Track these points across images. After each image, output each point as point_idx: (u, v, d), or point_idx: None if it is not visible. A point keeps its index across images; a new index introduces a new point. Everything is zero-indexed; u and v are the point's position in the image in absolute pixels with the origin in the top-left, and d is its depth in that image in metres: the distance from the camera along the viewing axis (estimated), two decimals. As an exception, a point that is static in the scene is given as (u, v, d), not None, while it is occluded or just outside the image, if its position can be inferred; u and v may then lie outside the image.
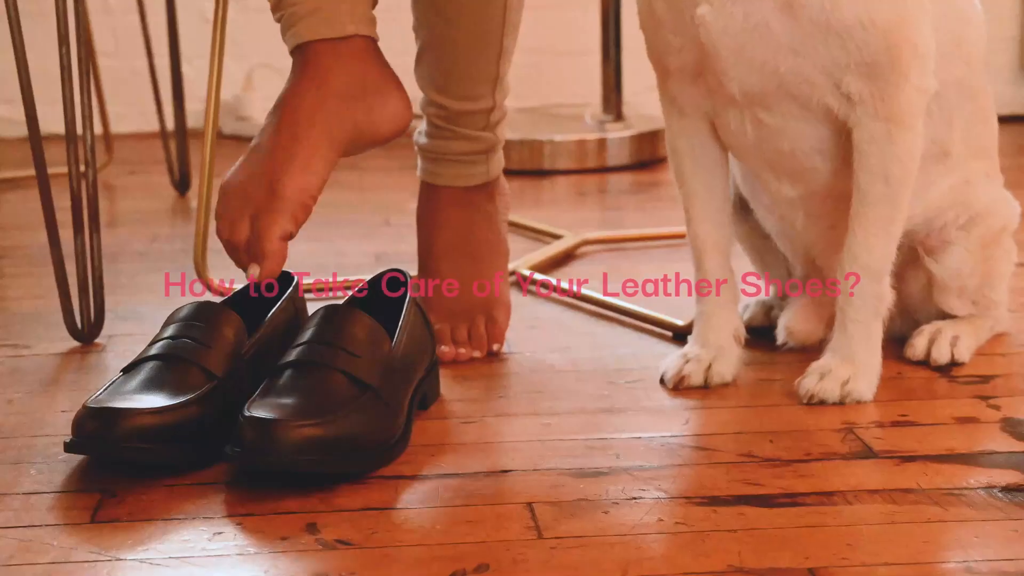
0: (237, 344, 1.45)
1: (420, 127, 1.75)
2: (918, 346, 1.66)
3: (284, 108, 1.53)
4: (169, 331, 1.46)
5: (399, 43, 1.77)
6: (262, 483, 1.34)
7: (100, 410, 1.36)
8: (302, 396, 1.36)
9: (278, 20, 1.58)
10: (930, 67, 1.50)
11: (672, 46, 1.53)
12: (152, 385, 1.41)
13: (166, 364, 1.43)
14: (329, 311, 1.44)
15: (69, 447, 1.37)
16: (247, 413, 1.34)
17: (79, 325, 1.77)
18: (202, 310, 1.48)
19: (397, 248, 2.21)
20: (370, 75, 1.55)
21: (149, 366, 1.43)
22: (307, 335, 1.42)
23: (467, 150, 1.72)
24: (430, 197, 1.75)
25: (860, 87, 1.48)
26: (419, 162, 1.75)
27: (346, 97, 1.54)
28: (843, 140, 1.53)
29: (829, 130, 1.53)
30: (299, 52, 1.55)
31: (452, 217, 1.73)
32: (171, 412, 1.37)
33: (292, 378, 1.39)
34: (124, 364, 1.68)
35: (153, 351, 1.45)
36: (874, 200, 1.52)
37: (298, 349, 1.41)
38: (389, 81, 1.56)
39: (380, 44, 1.58)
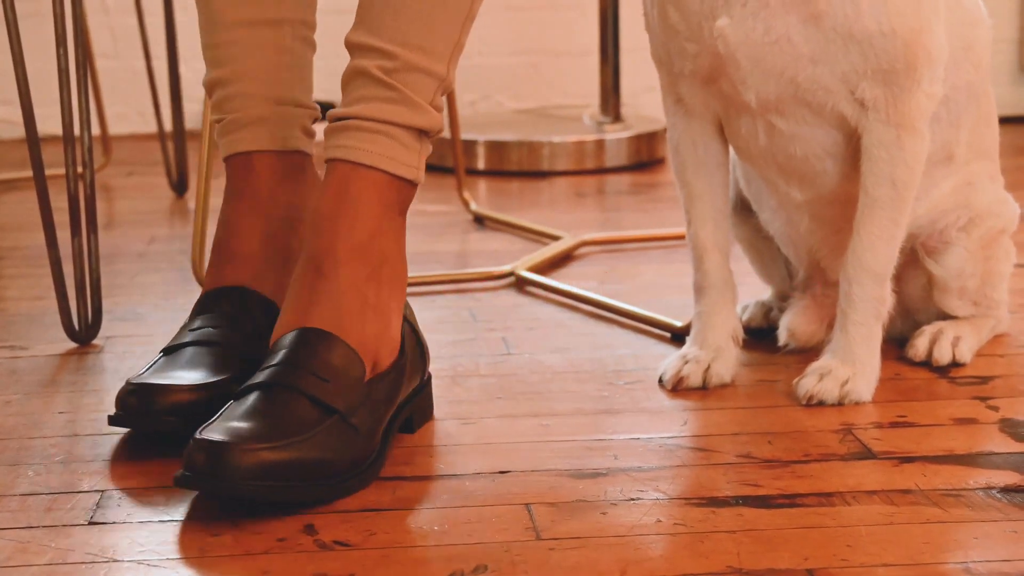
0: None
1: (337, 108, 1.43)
2: (919, 347, 1.66)
3: (233, 238, 1.53)
4: (205, 319, 1.49)
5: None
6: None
7: (141, 385, 1.41)
8: (261, 419, 1.29)
9: (216, 121, 1.55)
10: (940, 73, 1.51)
11: (687, 52, 1.53)
12: (192, 366, 1.44)
13: (208, 348, 1.46)
14: (306, 334, 1.35)
15: (112, 421, 1.42)
16: (198, 435, 1.27)
17: (76, 326, 1.77)
18: (239, 295, 1.50)
19: (395, 249, 2.21)
20: (308, 195, 1.54)
21: (190, 351, 1.46)
22: (279, 356, 1.34)
23: (407, 121, 1.39)
24: (344, 181, 1.40)
25: (875, 93, 1.49)
26: (332, 140, 1.41)
27: (291, 221, 1.53)
28: (853, 144, 1.54)
29: (840, 135, 1.54)
30: (239, 160, 1.53)
31: (369, 215, 1.40)
32: (208, 389, 1.40)
33: (257, 400, 1.31)
34: (122, 365, 1.69)
35: (191, 337, 1.47)
36: (880, 203, 1.52)
37: (266, 371, 1.33)
38: None
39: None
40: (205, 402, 1.40)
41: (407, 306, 1.47)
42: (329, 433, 1.31)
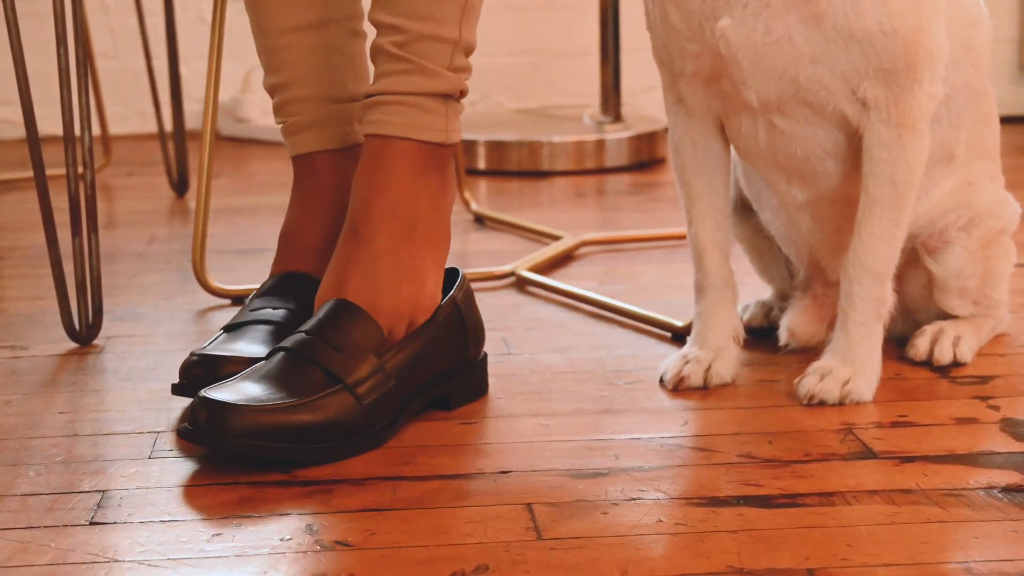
0: None
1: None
2: (920, 346, 1.66)
3: (297, 232, 1.62)
4: (264, 301, 1.58)
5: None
6: (261, 484, 1.34)
7: (205, 356, 1.50)
8: (273, 382, 1.38)
9: (279, 123, 1.65)
10: (940, 73, 1.51)
11: (688, 52, 1.53)
12: (252, 341, 1.53)
13: (266, 327, 1.55)
14: (338, 307, 1.44)
15: (176, 390, 1.50)
16: (203, 393, 1.36)
17: (77, 326, 1.77)
18: (299, 280, 1.58)
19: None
20: None
21: (250, 328, 1.55)
22: (309, 324, 1.43)
23: (425, 89, 1.47)
24: (376, 154, 1.49)
25: (876, 92, 1.49)
26: (364, 116, 1.50)
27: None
28: (855, 145, 1.54)
29: (842, 135, 1.54)
30: (302, 161, 1.63)
31: (399, 182, 1.48)
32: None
33: (278, 362, 1.41)
34: (122, 365, 1.69)
35: (250, 317, 1.56)
36: (881, 203, 1.52)
37: (294, 337, 1.43)
38: None
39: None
40: None
41: (465, 289, 1.54)
42: (329, 400, 1.39)
